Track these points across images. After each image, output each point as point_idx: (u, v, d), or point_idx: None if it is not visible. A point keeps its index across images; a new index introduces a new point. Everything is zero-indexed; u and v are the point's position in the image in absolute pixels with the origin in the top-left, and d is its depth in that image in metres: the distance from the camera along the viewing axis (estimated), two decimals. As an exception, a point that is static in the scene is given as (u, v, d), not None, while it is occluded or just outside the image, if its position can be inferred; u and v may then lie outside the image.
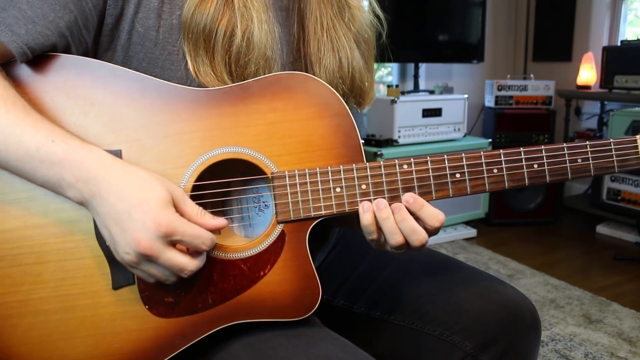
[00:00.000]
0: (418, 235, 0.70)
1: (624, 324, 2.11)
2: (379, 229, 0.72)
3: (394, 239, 0.70)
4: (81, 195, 0.64)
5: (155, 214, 0.61)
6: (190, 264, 0.64)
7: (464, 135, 3.05)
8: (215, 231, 0.67)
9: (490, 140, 3.11)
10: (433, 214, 0.71)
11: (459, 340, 0.83)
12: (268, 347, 0.70)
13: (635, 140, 0.76)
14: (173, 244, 0.63)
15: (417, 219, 0.71)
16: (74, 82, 0.69)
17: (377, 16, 0.90)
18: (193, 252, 0.65)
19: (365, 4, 0.90)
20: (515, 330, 0.83)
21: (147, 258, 0.62)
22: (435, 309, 0.85)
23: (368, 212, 0.71)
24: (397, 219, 0.70)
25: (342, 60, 0.83)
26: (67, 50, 0.71)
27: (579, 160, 0.75)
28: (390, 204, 0.71)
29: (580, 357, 1.88)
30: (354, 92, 0.85)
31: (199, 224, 0.65)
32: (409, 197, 0.71)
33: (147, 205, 0.61)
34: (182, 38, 0.74)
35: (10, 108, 0.63)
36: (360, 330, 0.91)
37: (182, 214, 0.64)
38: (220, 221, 0.66)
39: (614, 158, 0.75)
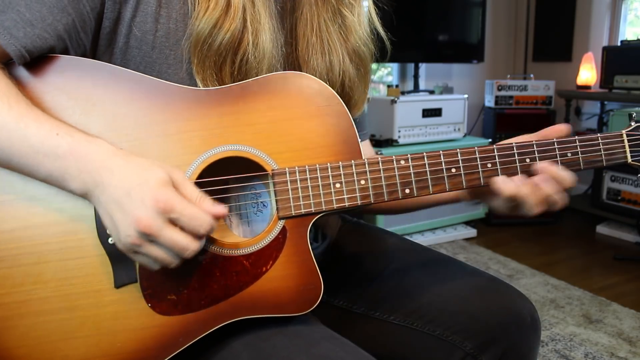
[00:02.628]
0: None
1: (624, 324, 2.11)
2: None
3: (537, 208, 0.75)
4: (84, 185, 0.64)
5: (154, 192, 0.61)
6: (192, 243, 0.62)
7: (464, 135, 3.05)
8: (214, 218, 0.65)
9: (490, 140, 3.11)
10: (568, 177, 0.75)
11: (459, 340, 0.83)
12: (268, 345, 0.70)
13: (622, 135, 0.79)
14: (173, 223, 0.62)
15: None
16: (75, 82, 0.70)
17: (378, 35, 0.90)
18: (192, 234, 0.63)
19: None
20: (515, 330, 0.83)
21: (148, 237, 0.61)
22: (435, 309, 0.86)
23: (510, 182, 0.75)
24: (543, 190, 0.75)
25: (333, 63, 0.83)
26: (65, 53, 0.71)
27: (569, 155, 0.77)
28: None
29: (580, 357, 1.88)
30: (342, 98, 0.85)
31: None
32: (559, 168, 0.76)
33: (146, 186, 0.61)
34: (191, 50, 0.74)
35: (14, 104, 0.64)
36: (360, 331, 0.91)
37: None
38: (219, 208, 0.64)
39: (602, 152, 0.78)
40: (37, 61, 0.69)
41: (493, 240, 3.09)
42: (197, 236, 0.63)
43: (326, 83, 0.74)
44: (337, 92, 0.77)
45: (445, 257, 0.96)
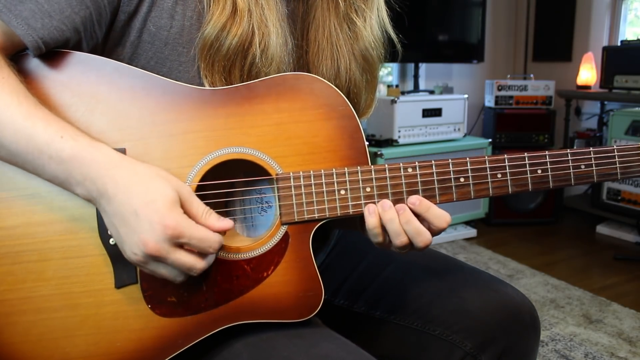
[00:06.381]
0: (422, 237, 0.71)
1: (624, 324, 2.12)
2: (384, 230, 0.72)
3: (399, 239, 0.71)
4: (88, 193, 0.64)
5: (162, 216, 0.61)
6: (198, 263, 0.64)
7: (464, 135, 3.05)
8: (221, 232, 0.67)
9: (490, 140, 3.11)
10: (440, 215, 0.71)
11: (459, 339, 0.83)
12: (269, 346, 0.70)
13: (639, 147, 0.76)
14: (180, 245, 0.63)
15: (423, 220, 0.71)
16: (79, 79, 0.69)
17: (389, 37, 0.88)
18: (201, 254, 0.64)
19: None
20: (515, 330, 0.83)
21: (155, 259, 0.62)
22: (435, 308, 0.86)
23: (373, 214, 0.71)
24: (401, 221, 0.71)
25: (340, 69, 0.82)
26: (79, 45, 0.70)
27: (582, 167, 0.75)
28: (395, 205, 0.71)
29: (580, 357, 1.88)
30: None
31: (204, 225, 0.65)
32: (415, 200, 0.71)
33: (153, 206, 0.61)
34: (198, 53, 0.73)
35: (23, 101, 0.63)
36: (360, 330, 0.91)
37: (187, 214, 0.64)
38: (225, 223, 0.66)
39: (617, 165, 0.75)
40: (42, 57, 0.68)
41: (493, 240, 3.10)
42: (205, 256, 0.65)
43: None
44: None
45: (445, 257, 0.96)
